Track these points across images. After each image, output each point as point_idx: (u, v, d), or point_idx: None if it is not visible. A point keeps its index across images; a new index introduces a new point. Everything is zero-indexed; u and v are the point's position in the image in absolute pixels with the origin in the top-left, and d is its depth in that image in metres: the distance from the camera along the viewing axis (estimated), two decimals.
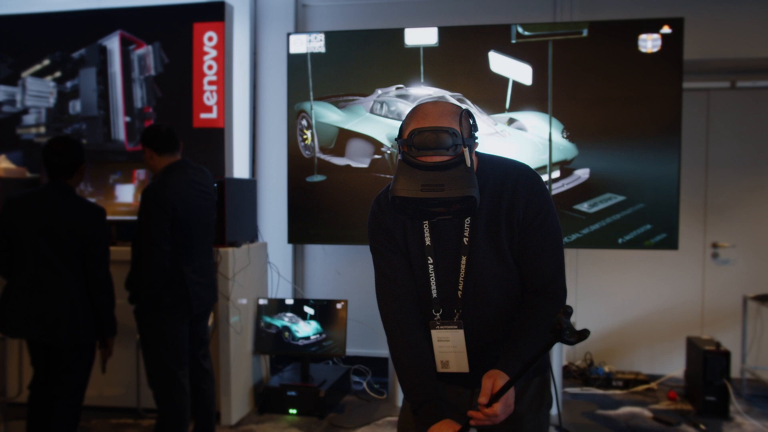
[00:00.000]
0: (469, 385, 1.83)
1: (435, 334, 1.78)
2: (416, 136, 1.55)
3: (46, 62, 4.93)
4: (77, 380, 3.01)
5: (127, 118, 4.82)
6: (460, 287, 1.74)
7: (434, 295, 1.77)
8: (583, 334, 1.39)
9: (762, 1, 4.59)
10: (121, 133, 4.83)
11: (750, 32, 4.62)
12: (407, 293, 1.79)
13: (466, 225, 1.72)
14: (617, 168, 3.99)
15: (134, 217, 3.41)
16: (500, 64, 4.05)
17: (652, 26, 3.94)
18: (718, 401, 4.19)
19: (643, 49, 3.94)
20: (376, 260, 1.84)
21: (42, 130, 4.95)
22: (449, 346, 1.78)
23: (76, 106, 4.90)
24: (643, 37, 3.94)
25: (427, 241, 1.75)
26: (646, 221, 3.98)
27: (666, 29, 3.92)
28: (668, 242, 3.98)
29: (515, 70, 4.04)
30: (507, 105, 4.06)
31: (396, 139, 1.65)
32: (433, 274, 1.76)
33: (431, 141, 1.53)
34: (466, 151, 1.56)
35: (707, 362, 4.20)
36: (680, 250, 4.66)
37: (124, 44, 4.81)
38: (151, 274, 2.98)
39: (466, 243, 1.72)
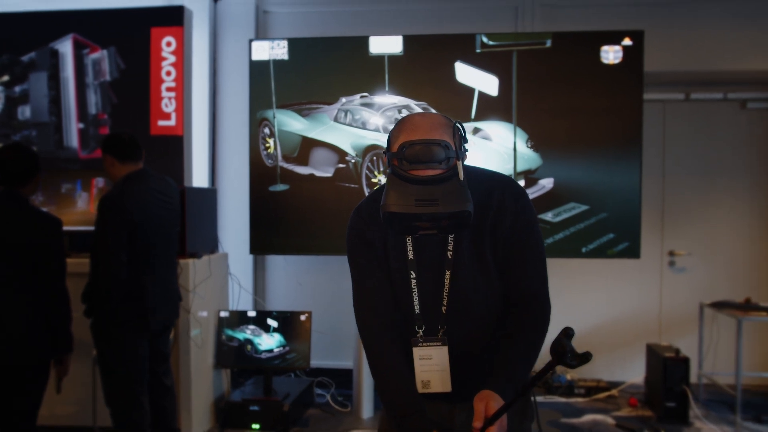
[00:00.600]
0: (449, 401, 1.79)
1: (417, 351, 1.72)
2: (407, 149, 1.49)
3: None
4: (30, 402, 2.85)
5: (81, 125, 4.65)
6: (444, 302, 1.70)
7: (417, 310, 1.72)
8: (585, 357, 1.36)
9: (714, 17, 4.72)
10: (74, 140, 4.65)
11: (703, 46, 4.75)
12: (386, 307, 1.73)
13: (450, 239, 1.67)
14: (581, 178, 4.03)
15: (88, 228, 3.28)
16: (466, 74, 4.06)
17: (614, 38, 4.00)
18: (678, 407, 4.25)
19: (605, 61, 4.00)
20: (354, 272, 1.78)
21: None
22: (432, 364, 1.72)
23: (25, 112, 4.70)
24: (605, 48, 4.00)
25: (410, 255, 1.70)
26: (609, 230, 4.03)
27: (627, 41, 4.00)
28: (630, 251, 4.04)
29: (481, 81, 4.05)
30: (473, 115, 4.06)
31: (384, 152, 1.60)
32: (416, 289, 1.71)
33: (423, 154, 1.48)
34: (460, 164, 1.51)
35: (667, 369, 4.26)
36: (639, 258, 4.74)
37: (78, 48, 4.64)
38: (108, 286, 2.87)
39: (450, 257, 1.67)
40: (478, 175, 1.72)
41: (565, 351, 1.36)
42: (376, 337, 1.73)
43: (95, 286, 2.92)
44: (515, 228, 1.66)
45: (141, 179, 3.06)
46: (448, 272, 1.67)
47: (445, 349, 1.71)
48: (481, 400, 1.53)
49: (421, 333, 1.72)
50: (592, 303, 5.17)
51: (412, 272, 1.70)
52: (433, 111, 4.11)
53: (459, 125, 1.59)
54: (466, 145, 1.59)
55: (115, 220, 2.89)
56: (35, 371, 2.82)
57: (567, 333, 1.39)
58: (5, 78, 4.70)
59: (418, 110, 4.11)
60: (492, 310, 1.72)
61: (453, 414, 1.79)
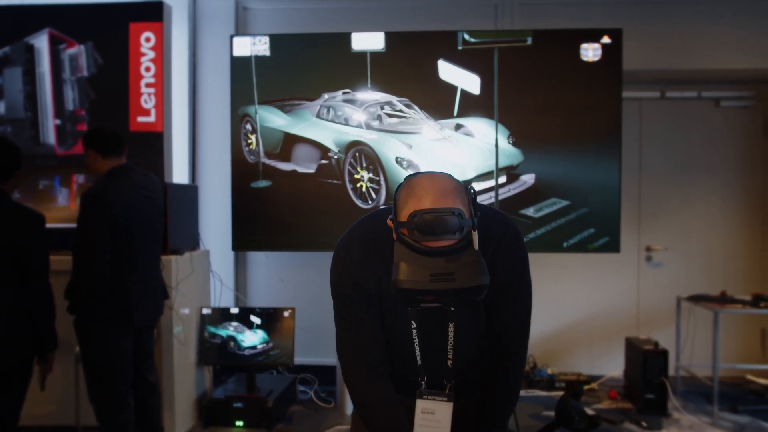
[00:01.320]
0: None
1: (420, 404, 1.68)
2: (418, 218, 1.37)
3: None
4: (13, 402, 2.80)
5: (58, 121, 4.57)
6: (450, 356, 1.65)
7: (419, 362, 1.67)
8: (594, 421, 1.34)
9: (689, 18, 4.82)
10: (50, 136, 4.57)
11: (678, 46, 4.84)
12: (376, 346, 1.65)
13: None
14: (562, 173, 4.08)
15: (68, 225, 3.22)
16: (449, 72, 4.08)
17: (593, 36, 4.06)
18: (657, 398, 4.33)
19: (584, 58, 4.06)
20: (341, 310, 1.66)
21: None
22: (433, 419, 1.68)
23: (0, 108, 4.61)
24: (584, 46, 4.05)
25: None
26: (589, 225, 4.09)
27: (606, 39, 4.06)
28: (610, 245, 4.10)
29: (463, 79, 4.08)
30: (455, 112, 4.08)
31: (390, 218, 1.47)
32: (416, 339, 1.65)
33: (437, 225, 1.36)
34: (475, 234, 1.40)
35: (647, 361, 4.34)
36: (616, 254, 4.81)
37: (54, 43, 4.56)
38: (91, 282, 2.84)
39: (452, 309, 1.61)
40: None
41: (572, 416, 1.34)
42: (364, 376, 1.64)
43: (78, 283, 2.88)
44: (508, 278, 1.62)
45: (124, 174, 3.02)
46: (451, 325, 1.63)
47: (450, 406, 1.67)
48: None
49: (423, 384, 1.69)
50: (572, 298, 5.24)
51: (413, 322, 1.64)
52: (414, 108, 4.12)
53: (472, 190, 1.48)
54: (475, 204, 1.48)
55: (98, 216, 2.86)
56: (19, 370, 2.77)
57: (576, 391, 1.36)
58: None
59: (401, 106, 4.13)
60: (484, 355, 1.71)
61: None
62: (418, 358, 1.67)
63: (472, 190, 1.48)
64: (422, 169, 4.04)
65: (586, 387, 4.83)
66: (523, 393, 4.73)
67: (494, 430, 1.67)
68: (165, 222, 3.68)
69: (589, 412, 1.49)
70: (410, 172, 4.02)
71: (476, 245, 1.40)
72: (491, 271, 1.50)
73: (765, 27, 4.79)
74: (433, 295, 1.37)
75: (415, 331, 1.64)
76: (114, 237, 2.89)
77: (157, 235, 3.21)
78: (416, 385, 1.69)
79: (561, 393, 4.74)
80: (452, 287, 1.35)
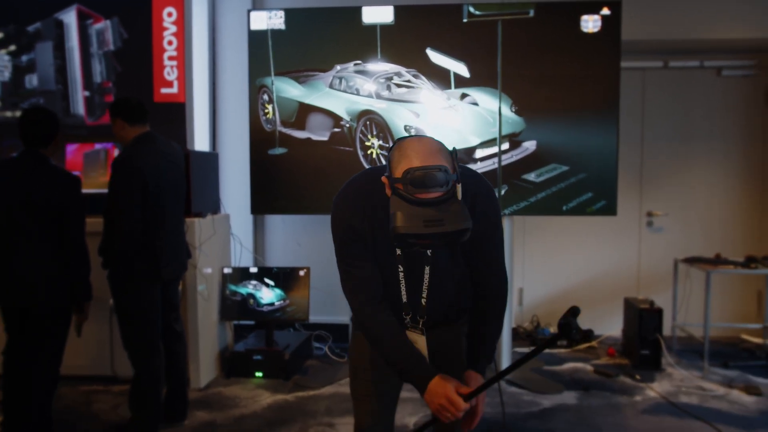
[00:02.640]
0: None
1: (407, 335, 1.96)
2: (411, 174, 1.61)
3: (0, 35, 4.91)
4: (55, 344, 3.12)
5: (86, 93, 4.86)
6: (424, 295, 1.94)
7: (404, 300, 1.95)
8: (588, 335, 1.65)
9: None
10: (80, 107, 4.86)
11: (681, 16, 4.97)
12: (374, 280, 1.90)
13: None
14: (561, 140, 4.28)
15: (99, 190, 3.51)
16: (439, 60, 4.29)
17: (593, 8, 4.22)
18: (651, 354, 4.58)
19: (584, 30, 4.23)
20: (342, 253, 1.90)
21: None
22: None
23: (32, 81, 4.90)
24: (584, 17, 4.22)
25: (398, 251, 1.89)
26: (587, 190, 4.29)
27: (605, 11, 4.21)
28: (608, 209, 4.30)
29: (453, 65, 4.29)
30: (452, 86, 4.29)
31: (386, 176, 1.71)
32: (403, 281, 1.93)
33: (428, 179, 1.60)
34: (459, 186, 1.65)
35: (642, 319, 4.58)
36: (618, 219, 5.04)
37: (82, 19, 4.83)
38: (123, 241, 3.11)
39: (429, 253, 1.90)
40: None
41: (571, 328, 1.64)
42: (372, 312, 1.88)
43: (111, 241, 3.16)
44: (484, 227, 1.86)
45: (149, 141, 3.28)
46: (427, 267, 1.91)
47: (423, 338, 1.95)
48: (469, 381, 1.88)
49: (408, 319, 1.97)
50: (575, 262, 5.48)
51: (399, 266, 1.91)
52: (422, 78, 4.33)
53: (454, 150, 1.74)
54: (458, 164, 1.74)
55: (128, 180, 3.11)
56: (58, 315, 3.08)
57: (573, 312, 1.65)
58: (12, 47, 4.89)
59: (409, 77, 4.34)
60: (461, 290, 2.01)
61: None
62: (404, 297, 1.94)
63: (454, 151, 1.73)
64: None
65: (585, 345, 5.09)
66: (526, 350, 5.01)
67: (484, 364, 1.94)
68: (188, 187, 3.97)
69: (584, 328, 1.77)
70: None
71: (459, 196, 1.65)
72: None
73: None
74: (426, 238, 1.62)
75: (401, 274, 1.91)
76: (143, 199, 3.16)
77: (181, 198, 3.47)
78: (402, 320, 1.97)
79: (563, 350, 5.02)
80: (442, 231, 1.59)
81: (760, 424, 3.60)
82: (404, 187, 1.62)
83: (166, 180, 3.29)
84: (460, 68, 4.27)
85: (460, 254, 1.93)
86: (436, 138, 1.77)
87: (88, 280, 3.15)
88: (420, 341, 1.95)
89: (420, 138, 1.73)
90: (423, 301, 1.94)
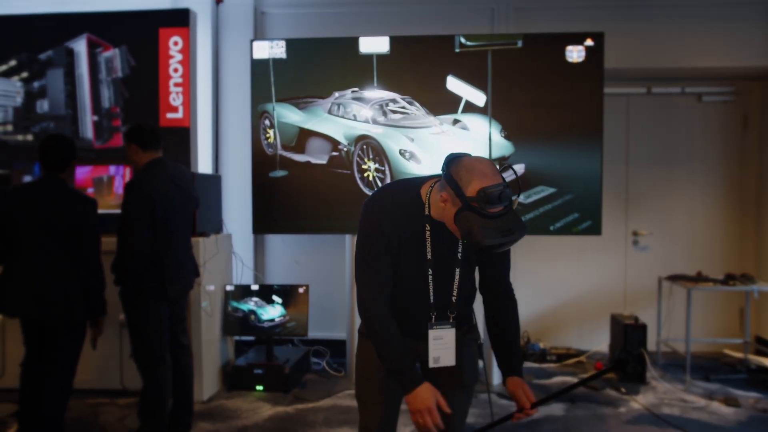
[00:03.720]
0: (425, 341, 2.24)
1: (432, 333, 2.14)
2: (487, 192, 1.81)
3: (13, 63, 5.13)
4: (70, 357, 3.30)
5: (95, 117, 5.07)
6: (455, 293, 2.15)
7: (432, 300, 2.14)
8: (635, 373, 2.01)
9: (672, 19, 5.21)
10: (88, 131, 5.08)
11: (663, 45, 5.23)
12: (388, 286, 2.08)
13: (460, 244, 2.10)
14: (549, 164, 4.51)
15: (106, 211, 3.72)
16: (456, 86, 4.53)
17: (577, 39, 4.48)
18: (636, 368, 4.77)
19: (569, 59, 4.48)
20: (366, 254, 2.07)
21: (9, 128, 5.15)
22: (442, 343, 2.15)
23: (43, 106, 5.12)
24: (569, 48, 4.47)
25: (429, 256, 2.07)
26: (574, 210, 4.52)
27: (589, 42, 4.47)
28: (593, 229, 4.53)
29: (469, 93, 4.51)
30: (459, 111, 4.53)
31: (455, 192, 1.87)
32: (432, 283, 2.13)
33: (503, 196, 1.82)
34: (515, 199, 1.92)
35: (627, 334, 4.78)
36: (605, 238, 5.25)
37: (91, 47, 5.06)
38: (132, 260, 3.31)
39: (459, 258, 2.12)
40: None
41: (627, 364, 1.96)
42: (381, 309, 2.06)
43: (122, 259, 3.36)
44: None
45: (160, 166, 3.49)
46: (458, 270, 2.13)
47: (453, 331, 2.16)
48: (517, 387, 2.11)
49: (433, 318, 2.15)
50: (564, 280, 5.69)
51: (430, 270, 2.10)
52: (416, 105, 4.57)
53: (513, 169, 2.09)
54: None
55: (139, 202, 3.32)
56: (74, 330, 3.27)
57: (627, 357, 2.02)
58: (24, 74, 5.12)
59: (404, 103, 4.58)
60: (473, 295, 2.26)
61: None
62: (431, 297, 2.13)
63: (512, 168, 2.07)
64: (422, 161, 4.50)
65: (574, 360, 5.29)
66: None
67: (521, 367, 2.19)
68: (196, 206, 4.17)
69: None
70: (413, 163, 4.50)
71: (514, 207, 1.91)
72: None
73: (742, 29, 5.17)
74: (504, 245, 1.86)
75: (431, 276, 2.11)
76: (152, 221, 3.36)
77: (188, 220, 3.67)
78: (427, 319, 2.14)
79: (553, 365, 5.21)
80: (514, 239, 1.84)
81: None
82: (479, 204, 1.82)
83: (174, 204, 3.49)
84: (476, 97, 4.49)
85: (474, 261, 2.18)
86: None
87: (103, 296, 3.34)
88: (448, 335, 2.14)
89: (479, 158, 1.95)
90: (453, 299, 2.15)
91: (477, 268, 2.25)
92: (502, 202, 1.82)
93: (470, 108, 4.53)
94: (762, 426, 3.92)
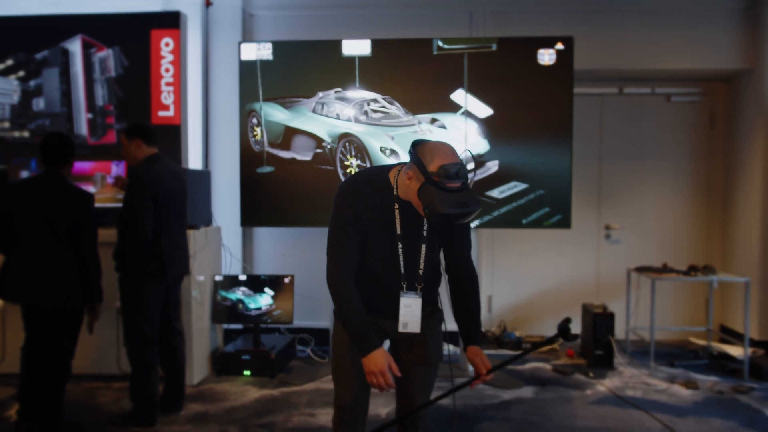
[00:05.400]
0: (395, 319, 2.48)
1: (403, 300, 2.39)
2: (448, 169, 2.11)
3: (10, 62, 5.33)
4: (68, 342, 3.53)
5: (89, 115, 5.29)
6: (421, 266, 2.40)
7: (402, 270, 2.39)
8: (577, 337, 2.23)
9: (641, 22, 5.47)
10: (83, 128, 5.29)
11: (634, 48, 5.49)
12: (354, 260, 2.33)
13: (425, 222, 2.36)
14: (521, 161, 4.76)
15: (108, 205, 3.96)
16: (462, 98, 4.78)
17: (549, 43, 4.72)
18: (605, 355, 5.04)
19: (541, 62, 4.73)
20: (336, 229, 2.32)
21: (6, 125, 5.35)
22: (410, 311, 2.40)
23: (39, 104, 5.32)
24: (541, 51, 4.72)
25: (398, 231, 2.33)
26: (545, 205, 4.77)
27: (560, 45, 4.72)
28: (563, 222, 4.78)
29: (473, 106, 4.76)
30: (458, 113, 4.78)
31: (420, 169, 2.16)
32: (402, 256, 2.38)
33: (461, 172, 2.13)
34: (471, 177, 2.24)
35: (596, 322, 5.05)
36: (578, 232, 5.55)
37: (86, 47, 5.27)
38: (136, 243, 3.56)
39: (425, 235, 2.38)
40: None
41: (569, 334, 2.20)
42: (345, 277, 2.30)
43: (125, 246, 3.60)
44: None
45: (159, 160, 3.76)
46: (423, 246, 2.38)
47: (419, 300, 2.40)
48: (476, 355, 2.37)
49: (404, 287, 2.40)
50: (539, 272, 5.95)
51: (399, 243, 2.36)
52: (396, 105, 4.81)
53: (470, 152, 2.49)
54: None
55: (142, 192, 3.58)
56: (72, 316, 3.49)
57: (568, 320, 2.21)
58: (21, 73, 5.32)
59: (384, 103, 4.82)
60: (438, 270, 2.50)
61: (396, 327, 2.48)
62: (402, 268, 2.38)
63: (468, 152, 2.36)
64: (402, 157, 4.74)
65: (547, 348, 5.55)
66: (492, 352, 5.47)
67: (481, 339, 2.46)
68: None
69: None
70: (393, 159, 4.74)
71: (471, 185, 2.22)
72: None
73: (708, 33, 5.43)
74: (459, 216, 2.13)
75: (401, 250, 2.36)
76: (153, 208, 3.61)
77: (184, 209, 3.93)
78: (396, 294, 2.38)
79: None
80: (470, 210, 2.13)
81: (691, 411, 4.08)
82: (440, 178, 2.12)
83: (172, 193, 3.75)
84: (481, 110, 4.74)
85: (439, 238, 2.42)
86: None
87: (100, 284, 3.57)
88: (415, 304, 2.39)
89: (441, 142, 2.27)
90: (420, 271, 2.39)
91: (442, 252, 2.50)
92: (459, 178, 2.12)
93: (448, 107, 4.78)
94: (716, 405, 4.20)
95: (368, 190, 2.33)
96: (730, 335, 5.50)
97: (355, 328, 2.28)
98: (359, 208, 2.30)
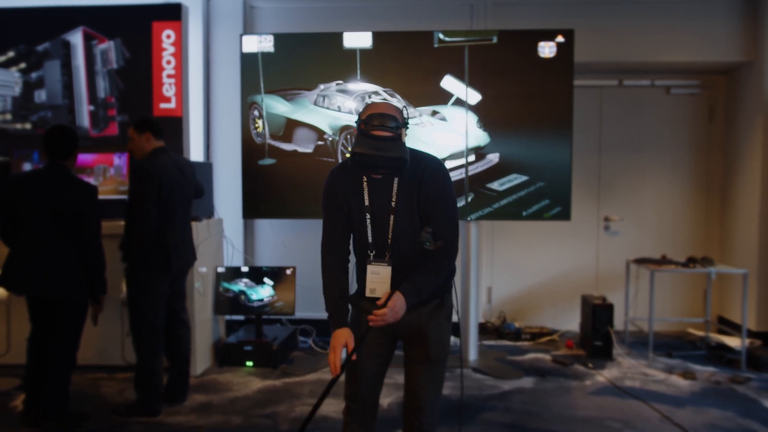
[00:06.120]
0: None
1: (369, 268, 2.46)
2: (371, 116, 2.28)
3: (11, 54, 5.34)
4: (73, 332, 3.56)
5: (91, 107, 5.31)
6: (390, 236, 2.45)
7: (370, 240, 2.46)
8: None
9: (641, 15, 5.48)
10: (85, 120, 5.31)
11: (634, 40, 5.51)
12: (339, 239, 2.48)
13: (393, 193, 2.40)
14: (522, 153, 4.79)
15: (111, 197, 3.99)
16: (452, 84, 4.78)
17: (549, 35, 4.74)
18: (603, 345, 5.09)
19: (541, 55, 4.75)
20: (324, 214, 2.51)
21: (8, 117, 5.37)
22: (378, 278, 2.46)
23: (41, 95, 5.34)
24: (541, 44, 4.74)
25: (366, 202, 2.43)
26: (545, 197, 4.80)
27: (560, 38, 4.73)
28: (563, 214, 4.81)
29: (462, 92, 4.77)
30: (450, 103, 4.80)
31: (356, 123, 2.34)
32: (369, 226, 2.45)
33: (382, 119, 2.27)
34: (403, 131, 2.35)
35: (595, 314, 5.09)
36: (577, 223, 5.58)
37: (87, 39, 5.28)
38: (142, 235, 3.59)
39: (393, 205, 2.42)
40: (414, 153, 2.44)
41: (428, 232, 2.29)
42: (327, 260, 2.47)
43: (131, 237, 3.63)
44: (433, 193, 2.39)
45: (164, 153, 3.78)
46: (391, 216, 2.43)
47: (389, 269, 2.45)
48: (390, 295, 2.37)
49: (371, 256, 2.47)
50: (540, 263, 5.99)
51: (367, 214, 2.44)
52: (397, 97, 4.84)
53: (405, 108, 2.43)
54: (409, 122, 2.42)
55: (148, 184, 3.60)
56: (77, 307, 3.53)
57: (428, 230, 2.29)
58: (23, 65, 5.33)
59: (386, 96, 4.84)
60: (415, 245, 2.43)
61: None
62: (369, 237, 2.46)
63: (405, 111, 2.43)
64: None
65: (547, 338, 5.60)
66: (492, 342, 5.52)
67: (410, 290, 2.36)
68: (199, 193, 4.41)
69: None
70: None
71: (403, 140, 2.34)
72: (420, 187, 2.37)
73: (707, 26, 5.45)
74: (373, 159, 2.25)
75: (368, 220, 2.45)
76: (158, 200, 3.64)
77: (189, 201, 3.95)
78: (368, 255, 2.47)
79: (527, 343, 5.53)
80: (384, 155, 2.25)
81: (689, 402, 4.13)
82: (365, 125, 2.28)
83: (177, 185, 3.78)
84: (471, 95, 4.75)
85: (417, 214, 2.42)
86: None
87: (104, 275, 3.60)
88: (384, 271, 2.45)
89: (385, 100, 2.36)
90: (389, 241, 2.45)
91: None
92: (382, 125, 2.25)
93: (449, 99, 4.80)
94: (713, 396, 4.25)
95: (344, 174, 2.45)
96: (728, 326, 5.55)
97: (327, 306, 2.44)
98: (340, 195, 2.45)
